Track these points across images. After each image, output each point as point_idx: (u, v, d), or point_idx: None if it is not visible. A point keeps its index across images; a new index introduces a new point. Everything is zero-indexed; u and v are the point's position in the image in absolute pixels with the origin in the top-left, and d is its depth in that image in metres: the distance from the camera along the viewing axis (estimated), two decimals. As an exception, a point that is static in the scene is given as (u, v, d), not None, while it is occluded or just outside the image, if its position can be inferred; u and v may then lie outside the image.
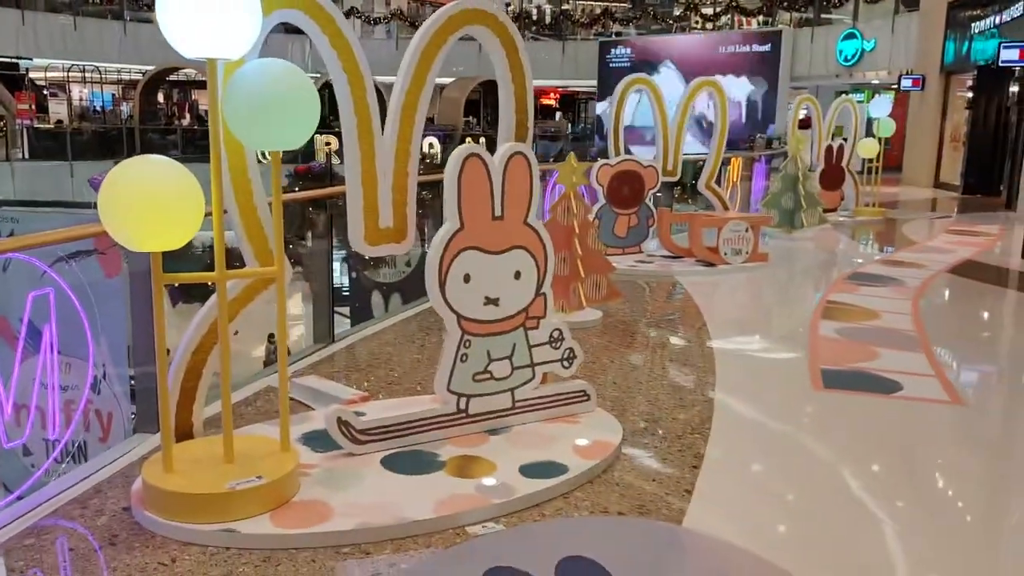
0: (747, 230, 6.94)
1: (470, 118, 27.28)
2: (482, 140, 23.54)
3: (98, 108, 25.13)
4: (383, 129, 2.92)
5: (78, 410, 2.98)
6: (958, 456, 3.27)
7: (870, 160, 11.30)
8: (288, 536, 2.32)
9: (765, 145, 15.53)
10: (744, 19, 27.28)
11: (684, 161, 8.12)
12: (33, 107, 23.35)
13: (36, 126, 20.35)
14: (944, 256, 7.88)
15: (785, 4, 23.90)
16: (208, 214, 2.42)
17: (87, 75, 24.09)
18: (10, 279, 2.99)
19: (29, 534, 2.38)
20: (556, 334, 3.19)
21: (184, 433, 2.72)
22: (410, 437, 2.92)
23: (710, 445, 3.12)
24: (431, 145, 21.86)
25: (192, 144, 20.53)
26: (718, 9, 26.60)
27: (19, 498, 2.54)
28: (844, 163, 10.81)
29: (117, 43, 23.42)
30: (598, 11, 28.46)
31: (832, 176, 10.79)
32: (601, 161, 6.95)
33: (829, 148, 10.65)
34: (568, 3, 31.38)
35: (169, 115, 23.71)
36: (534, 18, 29.07)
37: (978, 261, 7.78)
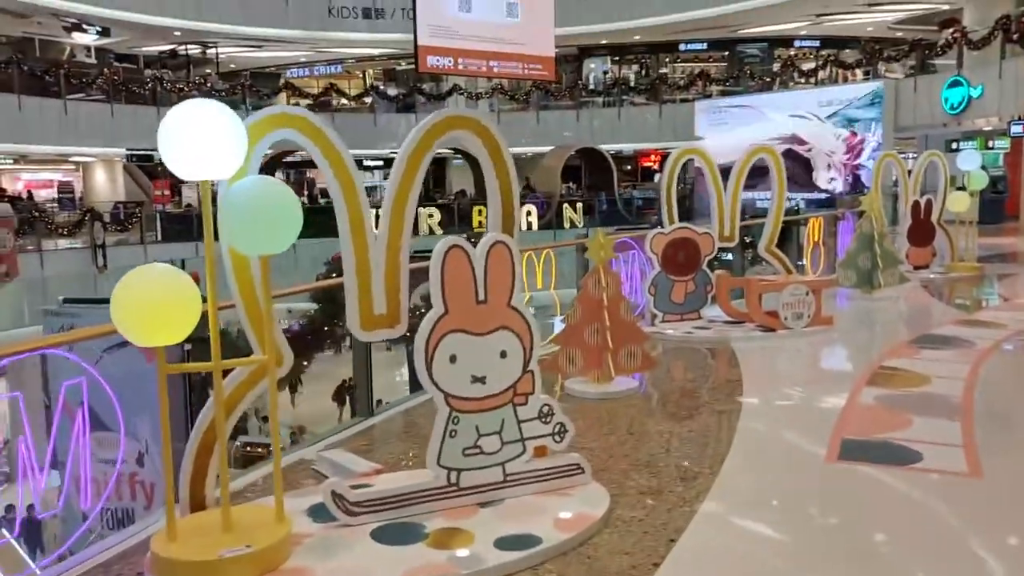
0: (808, 294, 6.88)
1: (571, 184, 27.81)
2: (579, 206, 24.08)
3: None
4: (376, 224, 3.24)
5: (110, 482, 3.37)
6: (947, 528, 3.19)
7: (965, 213, 10.89)
8: (266, 600, 2.58)
9: (852, 203, 15.08)
10: (845, 73, 26.90)
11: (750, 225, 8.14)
12: (167, 193, 25.56)
13: (168, 210, 22.21)
14: (1032, 314, 7.51)
15: (886, 56, 23.43)
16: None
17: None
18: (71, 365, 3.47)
19: (56, 594, 2.74)
20: (546, 409, 3.37)
21: (198, 504, 3.04)
22: (402, 509, 3.14)
23: (695, 520, 3.19)
24: (528, 213, 22.45)
25: (307, 223, 21.84)
26: (817, 64, 26.37)
27: (60, 558, 2.91)
28: (934, 218, 10.48)
29: (240, 131, 25.40)
30: (695, 72, 28.61)
31: (921, 232, 10.47)
32: (655, 231, 7.11)
33: (916, 203, 10.36)
34: (665, 67, 31.81)
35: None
36: (631, 84, 29.57)
37: (1069, 319, 7.37)
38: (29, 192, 25.61)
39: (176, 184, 27.30)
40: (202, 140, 2.61)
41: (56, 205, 25.66)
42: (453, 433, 3.20)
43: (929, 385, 5.07)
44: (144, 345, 2.67)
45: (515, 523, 3.07)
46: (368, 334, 3.25)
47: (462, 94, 27.86)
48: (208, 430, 3.04)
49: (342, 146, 3.13)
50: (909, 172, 10.51)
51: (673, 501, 3.37)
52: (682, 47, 31.55)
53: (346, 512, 3.07)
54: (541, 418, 3.36)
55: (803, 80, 26.86)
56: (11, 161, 25.57)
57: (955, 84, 19.83)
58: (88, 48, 25.86)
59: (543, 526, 3.04)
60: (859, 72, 26.52)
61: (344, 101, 29.01)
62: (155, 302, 2.59)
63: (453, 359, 3.17)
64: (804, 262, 10.63)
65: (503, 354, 3.26)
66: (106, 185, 27.72)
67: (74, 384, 3.43)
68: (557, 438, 3.40)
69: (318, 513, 3.16)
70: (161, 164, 26.95)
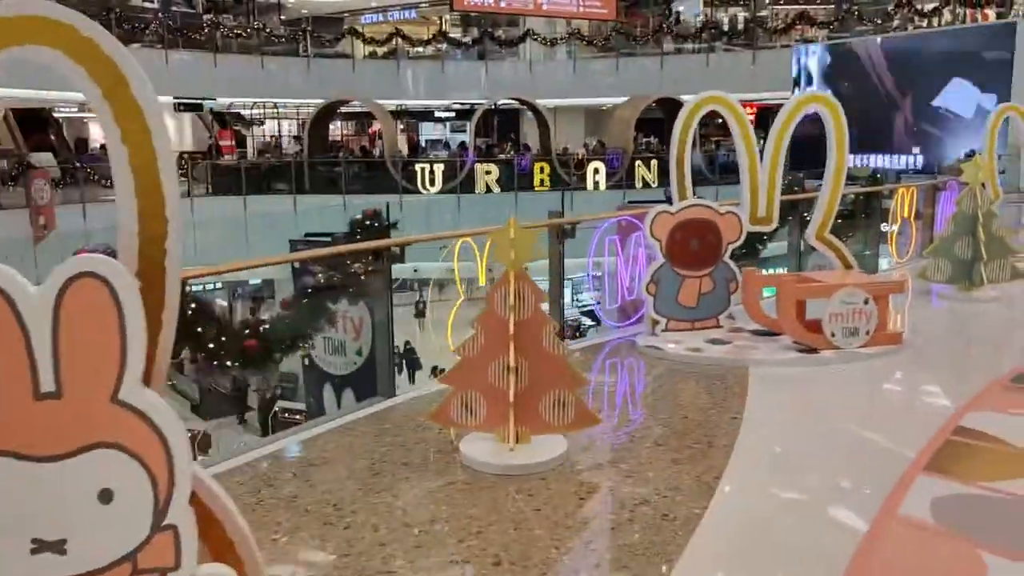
0: (867, 301, 4.94)
1: (651, 138, 25.49)
2: (653, 163, 21.83)
3: (278, 143, 26.21)
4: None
5: None
6: None
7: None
8: None
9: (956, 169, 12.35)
10: (974, 12, 23.40)
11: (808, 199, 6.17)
12: (231, 143, 24.76)
13: (215, 162, 21.31)
14: None
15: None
16: None
17: (267, 111, 25.19)
18: None
19: None
20: (210, 596, 1.76)
21: None
22: None
23: None
24: (596, 170, 20.47)
25: (359, 178, 20.67)
26: (940, 1, 22.96)
27: None
28: (1067, 190, 8.16)
29: (302, 79, 24.24)
30: (794, 15, 25.63)
31: (1047, 208, 8.17)
32: (657, 208, 5.30)
33: (1043, 171, 8.05)
34: (764, 9, 28.76)
35: (339, 147, 24.10)
36: (724, 28, 26.83)
37: None
38: (84, 141, 25.24)
39: (241, 135, 26.56)
40: None
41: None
42: (-3, 647, 1.64)
43: (1029, 476, 3.17)
44: None
45: None
46: None
47: (536, 39, 25.85)
48: None
49: None
50: (1036, 131, 8.16)
51: None
52: (784, -16, 28.45)
53: None
54: (201, 611, 1.75)
55: (924, 22, 23.54)
56: (75, 109, 25.11)
57: (1108, 24, 16.60)
58: (148, -9, 25.10)
59: None
60: (990, 12, 23.03)
61: (417, 49, 27.37)
62: None
63: (-12, 507, 1.60)
64: (891, 226, 8.36)
65: (104, 496, 1.65)
66: (173, 135, 27.23)
67: None
68: (237, 646, 1.78)
69: None
70: (222, 114, 26.23)
